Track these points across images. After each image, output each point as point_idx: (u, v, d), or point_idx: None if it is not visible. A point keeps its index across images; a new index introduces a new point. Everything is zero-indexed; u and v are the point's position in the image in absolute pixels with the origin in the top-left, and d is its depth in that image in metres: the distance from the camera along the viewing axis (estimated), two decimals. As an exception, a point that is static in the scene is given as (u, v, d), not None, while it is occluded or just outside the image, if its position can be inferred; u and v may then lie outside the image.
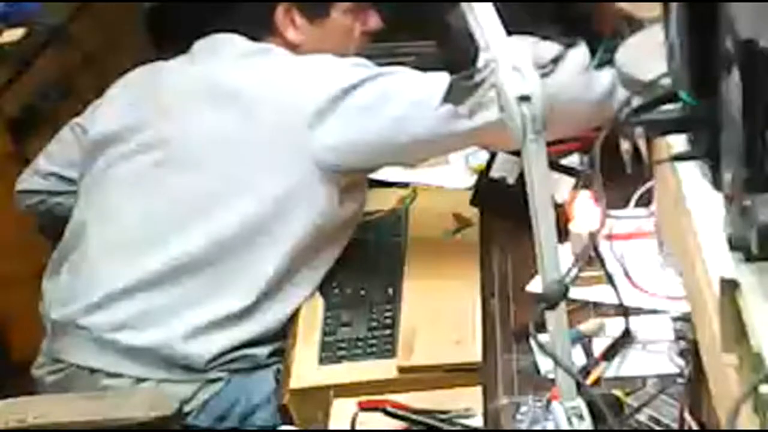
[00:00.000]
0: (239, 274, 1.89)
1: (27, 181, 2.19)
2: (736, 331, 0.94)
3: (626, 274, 1.79)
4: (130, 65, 2.14)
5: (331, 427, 1.68)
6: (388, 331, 1.82)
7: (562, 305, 1.30)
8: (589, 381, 1.58)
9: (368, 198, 2.16)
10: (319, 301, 1.93)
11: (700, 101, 1.09)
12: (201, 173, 1.89)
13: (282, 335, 1.92)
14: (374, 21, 2.02)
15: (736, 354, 0.96)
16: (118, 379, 1.91)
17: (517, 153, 1.58)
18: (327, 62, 1.87)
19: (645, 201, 1.92)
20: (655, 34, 1.25)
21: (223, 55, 1.95)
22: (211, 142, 1.89)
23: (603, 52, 2.24)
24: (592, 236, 1.42)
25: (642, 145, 1.92)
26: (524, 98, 1.20)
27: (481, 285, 1.87)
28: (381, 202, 2.16)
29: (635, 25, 1.91)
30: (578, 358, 1.62)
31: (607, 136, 1.24)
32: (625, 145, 2.00)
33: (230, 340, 1.89)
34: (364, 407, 1.59)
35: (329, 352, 1.81)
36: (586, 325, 1.70)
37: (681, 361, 1.60)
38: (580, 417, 1.37)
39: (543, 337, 1.28)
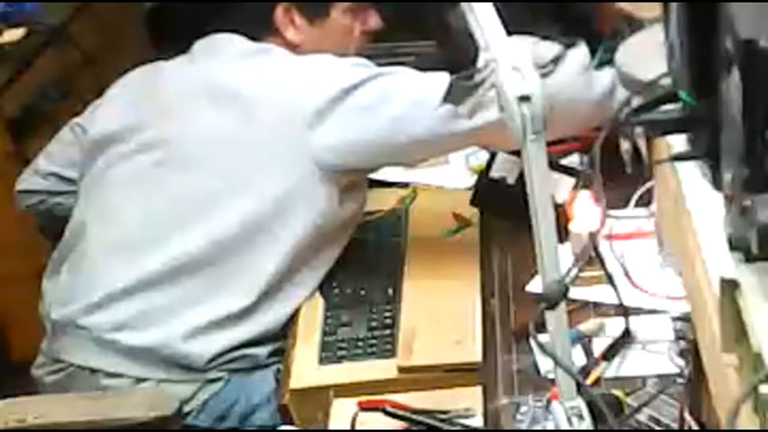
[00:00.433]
0: (239, 273, 1.89)
1: (27, 181, 2.19)
2: (736, 331, 0.94)
3: (626, 274, 1.79)
4: (130, 65, 2.14)
5: (331, 427, 1.68)
6: (388, 331, 1.82)
7: (562, 305, 1.30)
8: (589, 381, 1.58)
9: (368, 198, 2.16)
10: (319, 301, 1.93)
11: (700, 101, 1.09)
12: (201, 173, 1.89)
13: (282, 335, 1.92)
14: (374, 20, 2.02)
15: (736, 354, 0.96)
16: (117, 379, 1.91)
17: (517, 153, 1.58)
18: (327, 62, 1.87)
19: (645, 201, 1.92)
20: (655, 34, 1.25)
21: (222, 55, 1.95)
22: (211, 142, 1.89)
23: (603, 52, 2.25)
24: (592, 236, 1.42)
25: (642, 145, 1.92)
26: (524, 98, 1.20)
27: (481, 285, 1.87)
28: (381, 202, 2.16)
29: (635, 25, 1.91)
30: (578, 358, 1.62)
31: (607, 136, 1.24)
32: (625, 145, 2.00)
33: (230, 339, 1.89)
34: (364, 407, 1.59)
35: (329, 352, 1.81)
36: (586, 325, 1.70)
37: (681, 361, 1.60)
38: (580, 417, 1.37)
39: (543, 337, 1.28)
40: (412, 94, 1.79)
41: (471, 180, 2.09)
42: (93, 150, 2.03)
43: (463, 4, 1.37)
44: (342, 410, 1.67)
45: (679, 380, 1.56)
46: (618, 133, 1.93)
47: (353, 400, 1.62)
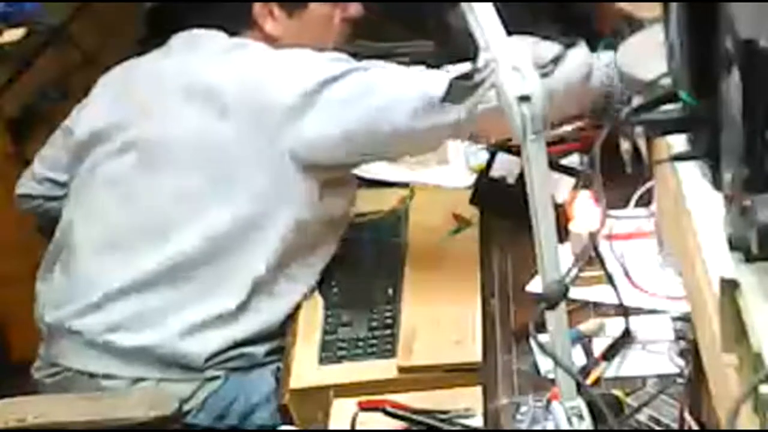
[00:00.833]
0: (232, 272, 1.89)
1: (24, 185, 2.18)
2: (736, 331, 0.94)
3: (626, 274, 1.79)
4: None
5: (331, 427, 1.68)
6: (388, 331, 1.82)
7: (562, 305, 1.30)
8: (589, 381, 1.58)
9: (368, 198, 2.16)
10: (319, 301, 1.93)
11: (700, 101, 1.09)
12: (184, 173, 1.88)
13: (280, 333, 1.92)
14: (354, 8, 2.00)
15: (736, 354, 0.96)
16: (116, 381, 1.91)
17: (517, 153, 1.58)
18: (305, 57, 1.86)
19: (645, 201, 1.92)
20: (655, 34, 1.25)
21: (198, 51, 1.93)
22: (191, 141, 1.88)
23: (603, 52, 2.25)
24: (592, 236, 1.42)
25: (642, 145, 1.92)
26: (524, 98, 1.20)
27: (481, 285, 1.87)
28: (381, 202, 2.16)
29: (635, 25, 1.91)
30: (578, 358, 1.62)
31: (607, 136, 1.24)
32: (625, 145, 2.00)
33: (226, 338, 1.89)
34: (364, 407, 1.59)
35: (329, 352, 1.81)
36: (586, 325, 1.70)
37: (681, 361, 1.60)
38: (580, 417, 1.37)
39: (543, 337, 1.28)
40: (391, 87, 1.78)
41: (471, 180, 2.09)
42: (80, 151, 2.03)
43: (463, 4, 1.37)
44: (342, 410, 1.67)
45: (679, 380, 1.56)
46: (618, 133, 1.93)
47: (353, 400, 1.62)
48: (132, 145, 1.94)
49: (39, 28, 3.12)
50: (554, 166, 1.92)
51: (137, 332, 1.90)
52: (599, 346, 1.67)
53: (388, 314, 1.86)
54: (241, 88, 1.84)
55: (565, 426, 1.38)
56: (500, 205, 1.98)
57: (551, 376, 1.52)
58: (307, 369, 1.79)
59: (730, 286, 0.95)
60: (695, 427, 1.43)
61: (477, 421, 1.59)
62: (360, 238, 2.07)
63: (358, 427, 1.59)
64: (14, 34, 3.08)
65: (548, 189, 1.26)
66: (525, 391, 1.63)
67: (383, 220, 2.12)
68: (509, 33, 1.31)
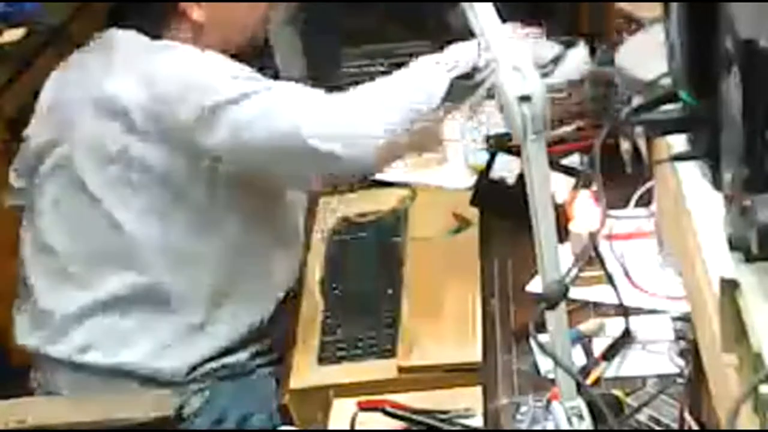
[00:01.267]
0: (188, 289, 1.88)
1: (9, 195, 2.11)
2: (736, 331, 0.94)
3: (626, 274, 1.79)
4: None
5: (331, 427, 1.68)
6: (388, 331, 1.82)
7: (562, 305, 1.30)
8: (589, 381, 1.58)
9: (368, 198, 2.16)
10: (319, 301, 1.93)
11: (700, 101, 1.09)
12: (114, 196, 1.83)
13: (263, 335, 1.92)
14: None
15: (736, 354, 0.96)
16: None
17: (517, 153, 1.58)
18: (209, 73, 1.79)
19: (645, 201, 1.92)
20: (655, 34, 1.25)
21: (110, 61, 1.84)
22: (103, 159, 1.82)
23: (603, 52, 2.25)
24: (592, 236, 1.42)
25: (642, 145, 1.93)
26: (524, 98, 1.20)
27: (481, 285, 1.87)
28: (381, 202, 2.16)
29: (635, 25, 1.91)
30: (578, 358, 1.62)
31: (607, 136, 1.24)
32: (625, 145, 2.00)
33: (202, 350, 1.89)
34: (364, 407, 1.59)
35: (329, 352, 1.81)
36: (586, 325, 1.70)
37: (681, 361, 1.60)
38: (580, 417, 1.37)
39: (543, 337, 1.28)
40: (291, 111, 1.74)
41: (471, 180, 2.09)
42: (31, 164, 1.96)
43: (463, 4, 1.37)
44: (342, 410, 1.67)
45: (679, 380, 1.56)
46: (618, 133, 1.93)
47: (353, 400, 1.62)
48: (63, 164, 1.88)
49: (39, 28, 3.12)
50: (554, 166, 1.92)
51: (111, 351, 1.88)
52: (599, 346, 1.67)
53: (387, 314, 1.86)
54: (146, 105, 1.77)
55: (565, 426, 1.38)
56: (500, 206, 1.98)
57: (551, 376, 1.52)
58: (306, 369, 1.79)
59: (730, 286, 0.95)
60: (695, 427, 1.43)
61: (477, 421, 1.59)
62: (360, 238, 2.07)
63: (357, 427, 1.59)
64: (14, 34, 3.08)
65: (548, 189, 1.26)
66: (525, 391, 1.63)
67: (383, 220, 2.12)
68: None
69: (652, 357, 1.64)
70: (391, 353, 1.78)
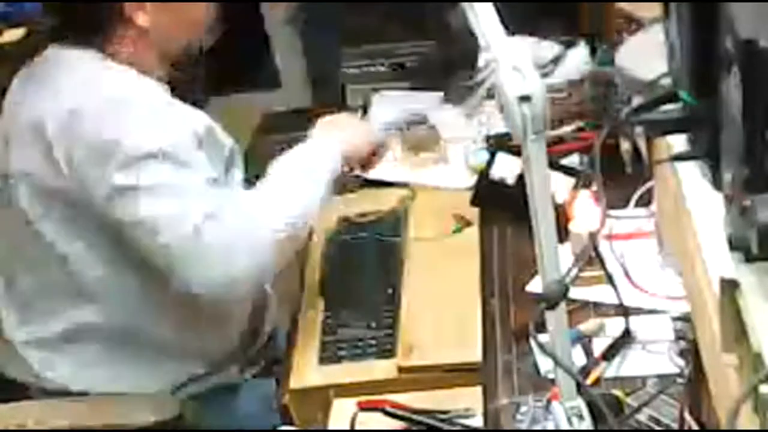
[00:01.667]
0: (142, 324, 1.84)
1: None
2: (736, 331, 0.94)
3: (626, 274, 1.79)
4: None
5: (331, 427, 1.68)
6: (388, 331, 1.82)
7: (562, 305, 1.30)
8: (589, 381, 1.58)
9: (368, 198, 2.17)
10: (319, 301, 1.93)
11: (700, 101, 1.09)
12: (54, 230, 1.78)
13: (243, 353, 1.92)
14: None
15: (736, 354, 0.96)
16: None
17: (517, 153, 1.58)
18: (137, 143, 1.67)
19: (645, 201, 1.92)
20: (655, 34, 1.25)
21: (47, 84, 1.76)
22: (35, 188, 1.76)
23: (603, 52, 2.26)
24: (592, 236, 1.42)
25: (642, 145, 1.93)
26: (524, 98, 1.20)
27: (481, 285, 1.87)
28: (381, 202, 2.16)
29: (635, 25, 1.91)
30: (578, 358, 1.62)
31: (607, 136, 1.24)
32: (625, 145, 2.01)
33: (179, 371, 1.88)
34: (364, 407, 1.59)
35: (329, 352, 1.81)
36: (586, 325, 1.70)
37: (681, 361, 1.60)
38: (580, 417, 1.37)
39: (543, 337, 1.28)
40: (167, 214, 1.66)
41: (471, 180, 2.09)
42: None
43: (464, 4, 1.37)
44: (342, 410, 1.67)
45: (679, 380, 1.56)
46: (618, 133, 1.94)
47: (353, 400, 1.62)
48: (8, 190, 1.81)
49: (39, 28, 3.12)
50: (554, 166, 1.92)
51: (87, 377, 1.86)
52: (599, 346, 1.67)
53: (387, 314, 1.86)
54: (61, 139, 1.70)
55: (565, 426, 1.38)
56: (500, 206, 1.98)
57: (551, 376, 1.52)
58: (307, 369, 1.79)
59: (730, 286, 0.95)
60: (695, 427, 1.43)
61: (477, 421, 1.59)
62: (360, 238, 2.07)
63: (357, 427, 1.59)
64: (14, 34, 3.08)
65: (548, 189, 1.26)
66: (525, 391, 1.63)
67: (383, 220, 2.12)
68: (509, 33, 1.31)
69: (652, 357, 1.64)
70: (391, 353, 1.78)
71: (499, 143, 2.02)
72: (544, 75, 2.32)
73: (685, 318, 1.64)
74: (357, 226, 2.10)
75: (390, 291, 1.91)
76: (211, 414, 1.89)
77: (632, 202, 1.95)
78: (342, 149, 1.83)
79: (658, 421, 1.53)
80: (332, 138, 1.84)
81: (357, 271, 2.00)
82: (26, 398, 1.92)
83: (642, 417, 1.54)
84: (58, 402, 1.90)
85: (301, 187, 1.76)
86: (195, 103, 1.82)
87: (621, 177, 1.97)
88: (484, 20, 1.30)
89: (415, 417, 1.58)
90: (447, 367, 1.72)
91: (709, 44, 1.02)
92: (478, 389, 1.66)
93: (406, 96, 2.50)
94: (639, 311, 1.71)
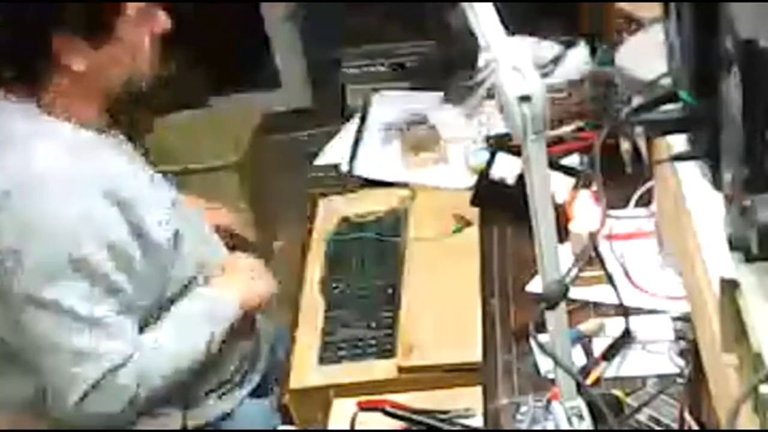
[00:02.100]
0: None
1: None
2: (736, 331, 0.94)
3: (626, 274, 1.79)
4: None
5: (331, 427, 1.68)
6: (388, 331, 1.82)
7: (562, 305, 1.30)
8: (589, 381, 1.58)
9: (368, 198, 2.17)
10: (319, 301, 1.93)
11: (700, 101, 1.09)
12: None
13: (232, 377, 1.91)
14: (162, 22, 1.74)
15: (736, 354, 0.96)
16: None
17: (517, 153, 1.58)
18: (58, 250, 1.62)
19: (645, 201, 1.92)
20: (655, 34, 1.25)
21: None
22: None
23: (603, 52, 2.26)
24: (592, 236, 1.42)
25: (642, 145, 1.93)
26: (524, 98, 1.20)
27: (481, 285, 1.87)
28: (381, 202, 2.16)
29: (635, 25, 1.91)
30: (578, 358, 1.62)
31: (607, 136, 1.24)
32: (625, 145, 2.00)
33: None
34: (364, 407, 1.59)
35: (329, 352, 1.81)
36: (586, 325, 1.70)
37: (681, 361, 1.60)
38: (580, 417, 1.37)
39: (543, 337, 1.28)
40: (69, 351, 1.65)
41: (471, 180, 2.09)
42: None
43: (463, 4, 1.36)
44: (342, 410, 1.67)
45: (679, 380, 1.56)
46: (618, 133, 1.94)
47: (353, 400, 1.62)
48: None
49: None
50: (554, 166, 1.92)
51: None
52: (599, 346, 1.67)
53: (387, 314, 1.86)
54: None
55: (565, 426, 1.38)
56: (500, 206, 1.98)
57: (551, 376, 1.52)
58: (307, 369, 1.79)
59: (730, 286, 0.95)
60: (695, 427, 1.43)
61: (477, 421, 1.60)
62: (360, 237, 2.07)
63: (357, 427, 1.59)
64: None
65: (548, 189, 1.26)
66: (525, 391, 1.63)
67: (383, 220, 2.12)
68: (509, 33, 1.31)
69: (652, 357, 1.64)
70: (391, 353, 1.78)
71: (499, 143, 2.02)
72: (544, 75, 2.32)
73: (685, 318, 1.64)
74: (357, 226, 2.10)
75: (390, 291, 1.91)
76: None
77: (632, 202, 1.95)
78: (241, 298, 1.83)
79: (658, 421, 1.53)
80: (233, 285, 1.85)
81: (357, 271, 2.00)
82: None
83: (642, 417, 1.54)
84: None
85: (196, 335, 1.77)
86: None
87: (621, 177, 1.97)
88: (484, 20, 1.30)
89: (415, 417, 1.58)
90: (447, 367, 1.72)
91: (709, 44, 1.02)
92: (478, 389, 1.66)
93: (406, 96, 2.51)
94: (639, 311, 1.71)
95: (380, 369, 1.76)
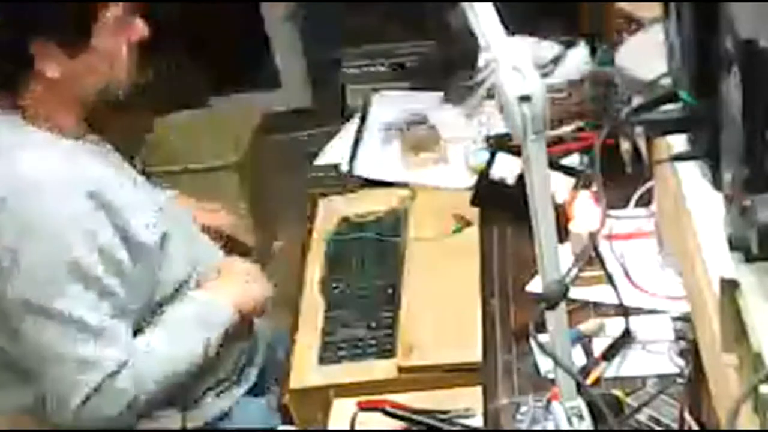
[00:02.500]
0: None
1: None
2: (736, 331, 0.94)
3: (626, 274, 1.79)
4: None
5: (331, 427, 1.68)
6: (388, 331, 1.82)
7: (562, 305, 1.30)
8: (589, 381, 1.58)
9: (368, 198, 2.17)
10: (319, 301, 1.93)
11: (700, 101, 1.09)
12: None
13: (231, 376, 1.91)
14: (139, 29, 1.74)
15: (736, 354, 0.96)
16: None
17: (517, 153, 1.58)
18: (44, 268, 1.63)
19: (645, 201, 1.92)
20: (655, 34, 1.25)
21: None
22: None
23: (603, 52, 2.26)
24: (592, 236, 1.42)
25: (642, 145, 1.93)
26: (524, 98, 1.20)
27: (481, 285, 1.87)
28: (381, 202, 2.16)
29: (635, 25, 1.91)
30: (578, 358, 1.62)
31: (607, 136, 1.24)
32: (625, 145, 2.00)
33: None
34: (364, 407, 1.59)
35: (329, 352, 1.81)
36: (586, 325, 1.70)
37: (681, 361, 1.60)
38: (580, 417, 1.37)
39: (543, 337, 1.28)
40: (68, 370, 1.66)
41: (471, 180, 2.09)
42: None
43: (463, 4, 1.36)
44: (342, 410, 1.67)
45: (679, 380, 1.56)
46: (618, 133, 1.94)
47: (353, 400, 1.62)
48: None
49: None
50: (554, 166, 1.92)
51: None
52: (599, 346, 1.67)
53: (387, 314, 1.86)
54: None
55: (565, 426, 1.38)
56: (500, 206, 1.98)
57: (551, 376, 1.52)
58: (307, 369, 1.79)
59: (730, 286, 0.95)
60: (695, 427, 1.43)
61: (477, 421, 1.60)
62: (360, 237, 2.07)
63: (357, 427, 1.59)
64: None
65: (548, 189, 1.26)
66: (525, 391, 1.63)
67: (383, 220, 2.12)
68: (509, 33, 1.31)
69: (652, 357, 1.64)
70: (391, 353, 1.78)
71: (499, 143, 2.02)
72: (544, 75, 2.32)
73: (685, 318, 1.64)
74: (357, 226, 2.10)
75: (390, 291, 1.91)
76: None
77: (632, 202, 1.95)
78: (235, 301, 1.83)
79: (658, 421, 1.53)
80: (227, 288, 1.85)
81: (357, 271, 2.00)
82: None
83: (642, 417, 1.54)
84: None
85: (189, 339, 1.77)
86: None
87: (621, 177, 1.97)
88: (484, 20, 1.30)
89: (415, 417, 1.58)
90: (447, 367, 1.72)
91: (709, 44, 1.02)
92: (478, 389, 1.66)
93: (406, 96, 2.51)
94: (639, 311, 1.71)
95: (380, 369, 1.76)
